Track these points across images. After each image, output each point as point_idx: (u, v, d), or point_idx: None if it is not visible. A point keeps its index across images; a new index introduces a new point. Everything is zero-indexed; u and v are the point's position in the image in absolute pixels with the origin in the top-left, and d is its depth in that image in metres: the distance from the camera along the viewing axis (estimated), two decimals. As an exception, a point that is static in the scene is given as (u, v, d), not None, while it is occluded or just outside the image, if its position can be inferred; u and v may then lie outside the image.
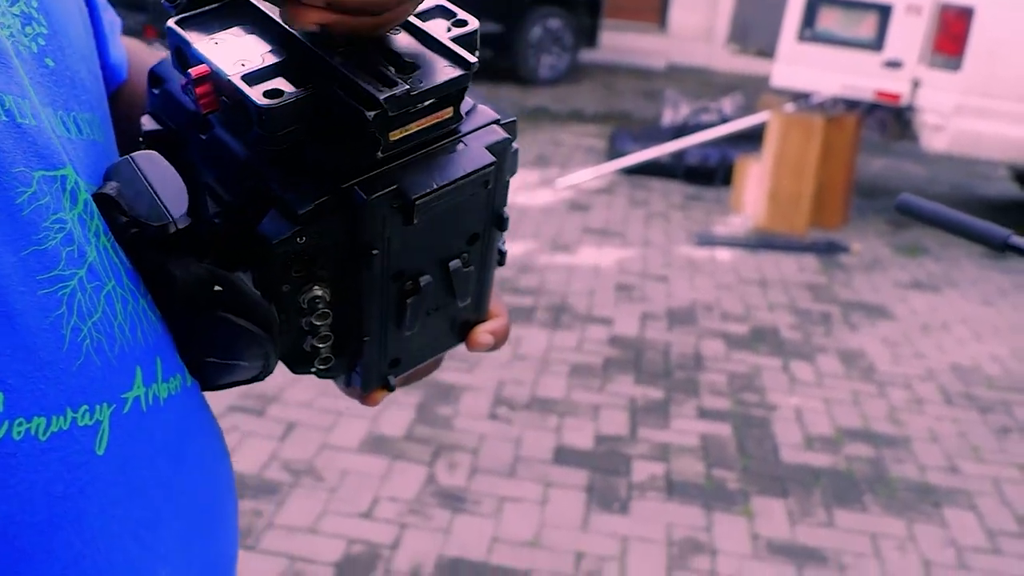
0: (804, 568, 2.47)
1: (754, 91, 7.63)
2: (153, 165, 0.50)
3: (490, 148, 0.54)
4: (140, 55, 0.74)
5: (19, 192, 0.42)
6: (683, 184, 6.15)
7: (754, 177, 5.51)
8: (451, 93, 0.51)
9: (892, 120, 5.77)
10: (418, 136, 0.52)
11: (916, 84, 5.27)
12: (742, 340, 3.88)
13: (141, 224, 0.48)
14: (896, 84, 5.33)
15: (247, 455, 2.73)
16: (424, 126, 0.52)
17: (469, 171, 0.53)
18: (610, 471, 2.84)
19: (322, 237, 0.51)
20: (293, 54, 0.51)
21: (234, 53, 0.50)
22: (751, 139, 5.95)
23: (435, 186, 0.52)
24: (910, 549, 2.59)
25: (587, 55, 10.35)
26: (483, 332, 0.65)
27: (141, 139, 0.56)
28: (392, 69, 0.50)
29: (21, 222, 0.42)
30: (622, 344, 3.74)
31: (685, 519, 2.63)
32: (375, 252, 0.53)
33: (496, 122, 0.56)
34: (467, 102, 0.55)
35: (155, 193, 0.49)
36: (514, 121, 0.58)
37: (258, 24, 0.52)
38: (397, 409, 3.05)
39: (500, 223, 0.60)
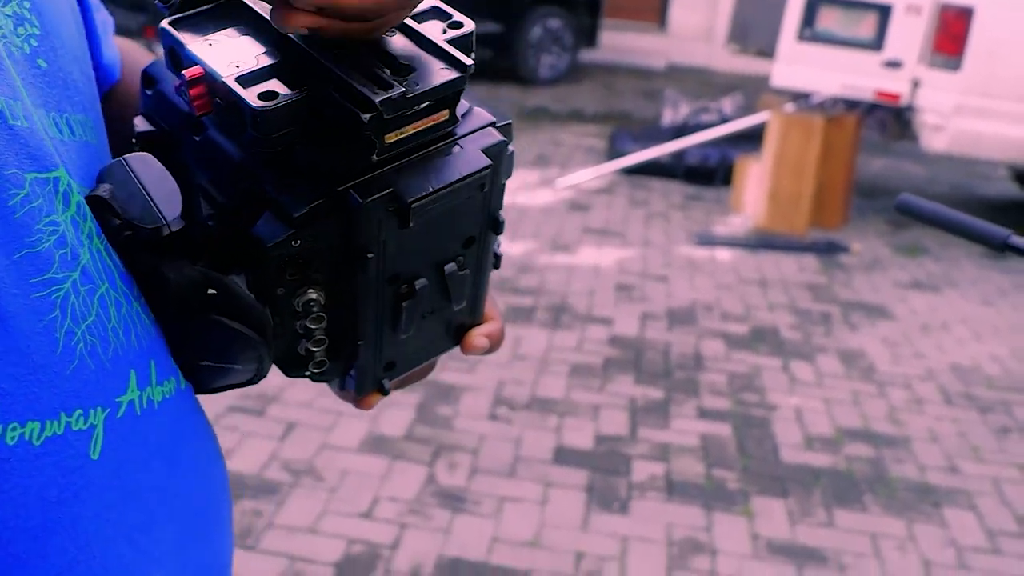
0: (804, 568, 2.47)
1: (754, 91, 7.62)
2: (146, 167, 0.49)
3: (486, 151, 0.54)
4: (133, 55, 0.74)
5: (12, 194, 0.42)
6: (683, 184, 6.15)
7: (754, 177, 5.51)
8: (447, 96, 0.51)
9: (892, 120, 5.76)
10: (414, 139, 0.51)
11: (916, 84, 5.26)
12: (742, 340, 3.88)
13: (134, 226, 0.48)
14: (896, 84, 5.32)
15: (247, 455, 2.73)
16: (420, 129, 0.51)
17: (465, 174, 0.53)
18: (610, 471, 2.83)
19: (317, 240, 0.51)
20: (288, 56, 0.50)
21: (228, 55, 0.50)
22: (751, 139, 5.95)
23: (431, 189, 0.51)
24: (910, 549, 2.59)
25: (587, 55, 10.34)
26: (478, 335, 0.65)
27: (134, 140, 0.55)
28: (387, 71, 0.49)
29: (14, 225, 0.42)
30: (622, 344, 3.74)
31: (685, 519, 2.63)
32: (370, 255, 0.53)
33: (492, 124, 0.56)
34: (463, 104, 0.55)
35: (148, 195, 0.48)
36: (510, 123, 0.57)
37: (252, 25, 0.52)
38: (397, 409, 3.04)
39: (496, 226, 0.60)
